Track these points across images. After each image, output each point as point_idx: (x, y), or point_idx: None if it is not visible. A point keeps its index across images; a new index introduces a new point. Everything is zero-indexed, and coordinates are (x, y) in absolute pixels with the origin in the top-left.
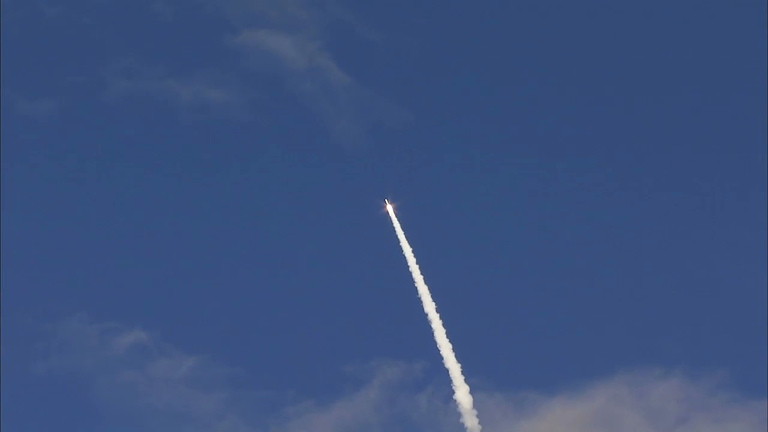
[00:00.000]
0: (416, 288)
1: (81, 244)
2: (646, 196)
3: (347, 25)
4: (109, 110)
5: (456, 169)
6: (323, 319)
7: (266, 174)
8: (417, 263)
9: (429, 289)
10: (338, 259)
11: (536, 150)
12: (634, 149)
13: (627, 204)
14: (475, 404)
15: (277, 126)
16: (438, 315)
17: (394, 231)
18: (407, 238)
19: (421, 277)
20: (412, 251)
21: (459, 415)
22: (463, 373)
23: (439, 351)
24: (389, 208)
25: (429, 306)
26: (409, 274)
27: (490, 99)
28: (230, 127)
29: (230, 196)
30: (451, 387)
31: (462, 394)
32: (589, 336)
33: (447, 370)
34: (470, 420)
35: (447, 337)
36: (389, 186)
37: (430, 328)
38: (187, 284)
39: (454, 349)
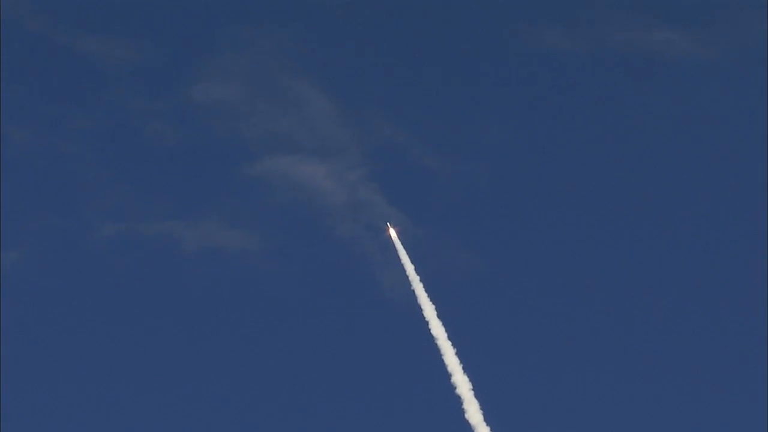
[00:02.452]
0: None
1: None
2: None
3: (397, 148)
4: (93, 260)
5: (531, 319)
6: None
7: (296, 341)
8: None
9: None
10: None
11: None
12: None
13: None
14: None
15: (311, 277)
16: None
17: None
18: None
19: None
20: None
21: None
22: None
23: None
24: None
25: None
26: None
27: (577, 241)
28: (250, 280)
29: (252, 373)
30: None
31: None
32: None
33: None
34: None
35: None
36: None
37: None
38: None
39: None
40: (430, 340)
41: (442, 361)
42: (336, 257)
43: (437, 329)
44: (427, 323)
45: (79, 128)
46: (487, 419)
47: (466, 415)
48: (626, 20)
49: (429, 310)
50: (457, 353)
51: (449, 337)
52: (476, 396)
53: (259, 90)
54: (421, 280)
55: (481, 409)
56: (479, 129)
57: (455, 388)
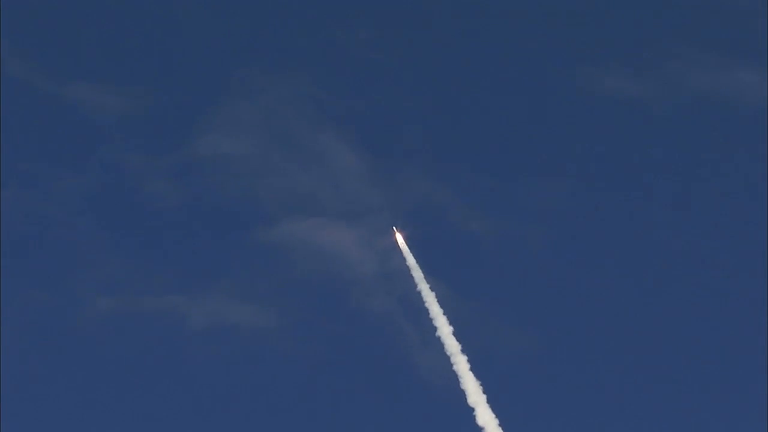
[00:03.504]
0: None
1: None
2: None
3: (436, 209)
4: (86, 339)
5: (593, 406)
6: None
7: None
8: None
9: None
10: None
11: None
12: None
13: None
14: None
15: (336, 359)
16: None
17: None
18: None
19: None
20: None
21: None
22: None
23: None
24: None
25: None
26: None
27: (641, 318)
28: (265, 362)
29: None
30: None
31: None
32: None
33: None
34: None
35: None
36: None
37: None
38: None
39: None
40: (477, 431)
41: None
42: (366, 336)
43: (485, 417)
44: (472, 410)
45: (68, 188)
46: None
47: None
48: (702, 60)
49: (475, 395)
50: None
51: (500, 425)
52: None
53: (275, 143)
54: (464, 356)
55: None
56: (532, 187)
57: None
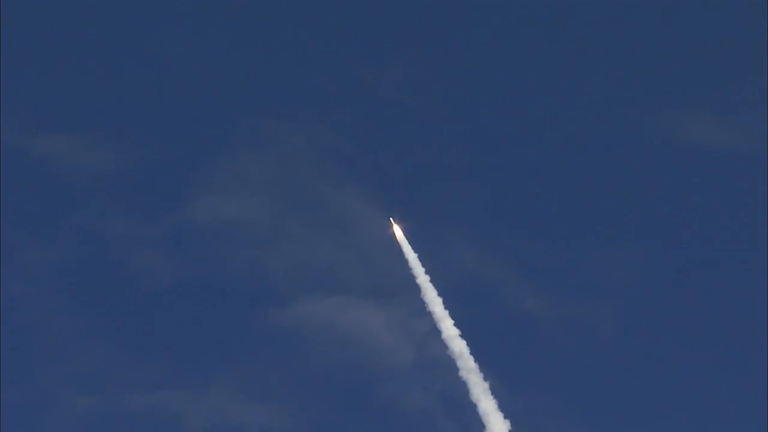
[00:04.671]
0: None
1: None
2: None
3: (483, 284)
4: None
5: None
6: None
7: None
8: None
9: None
10: None
11: None
12: None
13: None
14: None
15: None
16: None
17: None
18: None
19: None
20: None
21: None
22: None
23: None
24: None
25: None
26: None
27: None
28: None
29: None
30: None
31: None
32: None
33: None
34: None
35: None
36: None
37: None
38: None
39: None
40: None
41: None
42: None
43: None
44: None
45: (37, 261)
46: None
47: None
48: None
49: None
50: None
51: None
52: None
53: (288, 205)
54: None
55: None
56: (599, 257)
57: None
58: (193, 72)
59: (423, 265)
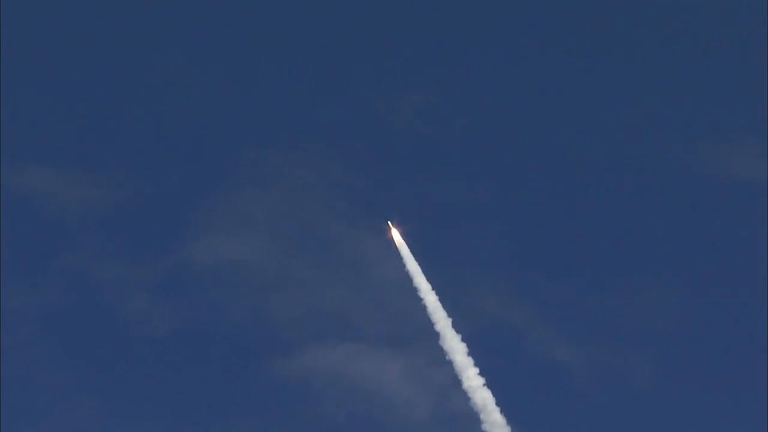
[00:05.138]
0: None
1: None
2: None
3: (510, 332)
4: None
5: None
6: None
7: None
8: None
9: None
10: None
11: None
12: None
13: None
14: None
15: None
16: None
17: None
18: None
19: None
20: None
21: None
22: None
23: None
24: None
25: None
26: None
27: None
28: None
29: None
30: None
31: None
32: None
33: None
34: None
35: None
36: None
37: None
38: None
39: None
40: None
41: None
42: None
43: None
44: None
45: (21, 307)
46: None
47: None
48: None
49: None
50: None
51: None
52: None
53: (294, 245)
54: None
55: None
56: (634, 303)
57: None
58: (190, 100)
59: (442, 310)
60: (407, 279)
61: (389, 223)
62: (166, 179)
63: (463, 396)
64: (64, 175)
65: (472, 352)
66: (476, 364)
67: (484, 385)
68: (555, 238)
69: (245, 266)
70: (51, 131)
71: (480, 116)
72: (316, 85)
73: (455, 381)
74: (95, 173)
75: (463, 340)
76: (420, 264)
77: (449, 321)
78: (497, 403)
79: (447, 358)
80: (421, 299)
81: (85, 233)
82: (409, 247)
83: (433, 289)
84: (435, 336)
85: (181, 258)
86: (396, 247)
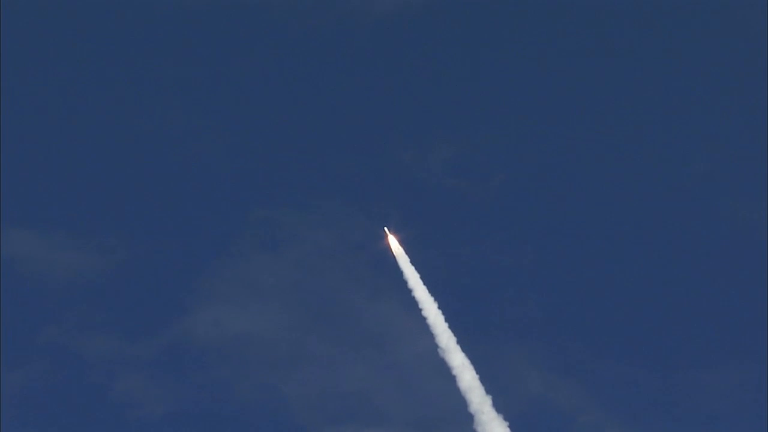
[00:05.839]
0: None
1: None
2: None
3: (557, 408)
4: None
5: None
6: None
7: None
8: None
9: None
10: None
11: None
12: None
13: None
14: None
15: None
16: None
17: None
18: None
19: None
20: None
21: None
22: None
23: None
24: None
25: None
26: None
27: None
28: None
29: None
30: None
31: None
32: None
33: None
34: None
35: None
36: None
37: None
38: None
39: None
40: None
41: None
42: None
43: None
44: None
45: (4, 387)
46: None
47: None
48: None
49: None
50: None
51: None
52: None
53: (309, 317)
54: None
55: None
56: (695, 383)
57: None
58: (191, 151)
59: (480, 389)
60: (438, 354)
61: (386, 228)
62: (164, 242)
63: None
64: (48, 238)
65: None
66: None
67: None
68: (604, 308)
69: (254, 341)
70: (33, 188)
71: (518, 170)
72: (334, 137)
73: None
74: (83, 236)
75: (506, 419)
76: (453, 336)
77: (487, 400)
78: None
79: None
80: (454, 377)
81: (72, 304)
82: (442, 317)
83: (468, 365)
84: (468, 419)
85: (180, 332)
86: (424, 318)
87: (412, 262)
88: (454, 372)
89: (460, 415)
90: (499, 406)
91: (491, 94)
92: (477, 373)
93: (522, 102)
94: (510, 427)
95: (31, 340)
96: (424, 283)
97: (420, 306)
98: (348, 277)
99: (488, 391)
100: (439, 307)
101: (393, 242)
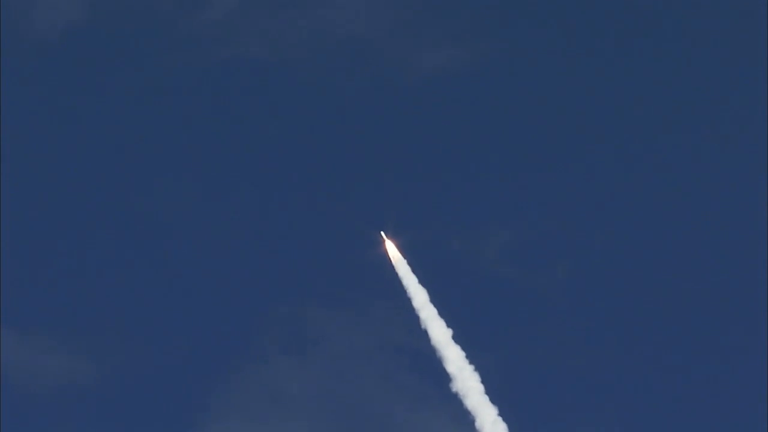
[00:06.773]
0: None
1: None
2: None
3: None
4: None
5: None
6: None
7: None
8: None
9: None
10: None
11: None
12: None
13: None
14: None
15: None
16: None
17: None
18: None
19: None
20: None
21: None
22: None
23: None
24: None
25: None
26: None
27: None
28: None
29: None
30: None
31: None
32: None
33: None
34: None
35: None
36: None
37: None
38: None
39: None
40: None
41: None
42: None
43: None
44: None
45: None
46: None
47: None
48: None
49: None
50: None
51: None
52: None
53: (339, 429)
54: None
55: None
56: None
57: None
58: (204, 239)
59: None
60: None
61: (383, 233)
62: (172, 348)
63: None
64: (31, 342)
65: None
66: None
67: None
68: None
69: None
70: (15, 286)
71: (582, 256)
72: (367, 220)
73: None
74: (74, 339)
75: None
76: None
77: None
78: None
79: None
80: None
81: (61, 418)
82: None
83: None
84: None
85: None
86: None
87: (463, 368)
88: None
89: None
90: None
91: (547, 175)
92: None
93: (580, 181)
94: None
95: None
96: (484, 392)
97: (471, 417)
98: (388, 383)
99: None
100: (500, 415)
101: (438, 342)
